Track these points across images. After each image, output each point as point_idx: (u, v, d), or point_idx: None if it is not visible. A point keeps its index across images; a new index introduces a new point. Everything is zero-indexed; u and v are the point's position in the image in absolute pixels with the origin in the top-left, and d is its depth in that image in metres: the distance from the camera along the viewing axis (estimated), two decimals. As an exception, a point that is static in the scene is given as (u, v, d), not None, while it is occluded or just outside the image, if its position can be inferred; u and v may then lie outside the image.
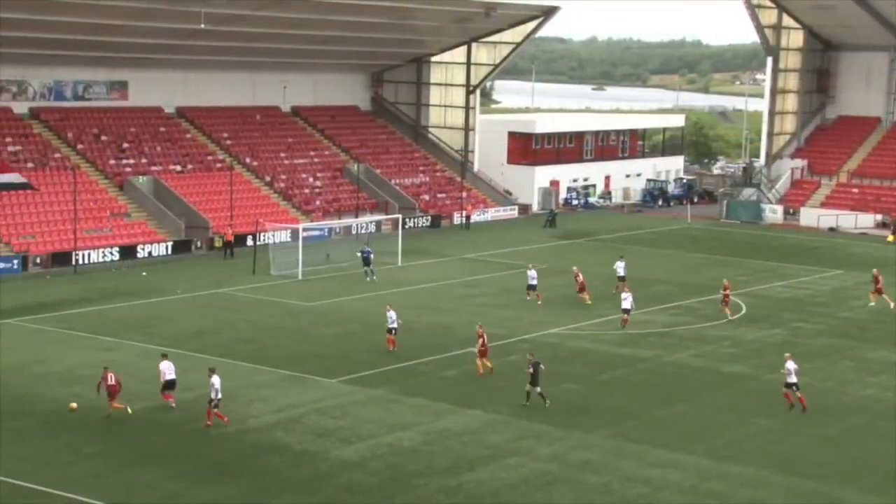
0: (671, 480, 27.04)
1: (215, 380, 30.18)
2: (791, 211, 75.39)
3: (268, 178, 67.84)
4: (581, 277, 46.97)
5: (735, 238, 68.42)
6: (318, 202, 67.43)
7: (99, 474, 26.32)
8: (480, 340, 35.35)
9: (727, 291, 44.78)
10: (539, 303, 45.97)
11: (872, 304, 47.38)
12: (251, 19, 62.68)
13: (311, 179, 69.75)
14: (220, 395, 30.15)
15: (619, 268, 49.16)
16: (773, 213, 75.67)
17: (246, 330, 40.92)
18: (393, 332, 38.01)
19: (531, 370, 32.42)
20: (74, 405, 31.06)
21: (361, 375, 34.93)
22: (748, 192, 77.68)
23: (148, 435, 29.18)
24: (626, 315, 42.40)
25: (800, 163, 79.79)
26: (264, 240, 57.11)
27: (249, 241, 57.65)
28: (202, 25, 58.63)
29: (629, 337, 41.16)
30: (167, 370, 31.49)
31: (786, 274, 55.70)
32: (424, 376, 35.09)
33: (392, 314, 38.06)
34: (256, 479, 26.38)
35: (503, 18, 72.81)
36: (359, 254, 51.16)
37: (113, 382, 30.63)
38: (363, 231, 61.62)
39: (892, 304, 46.55)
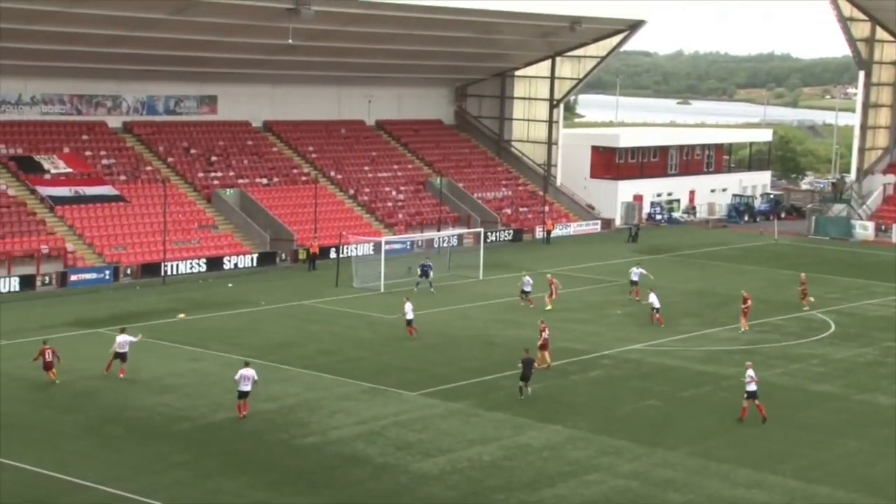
0: (757, 501, 26.55)
1: (247, 372, 31.20)
2: (883, 228, 73.59)
3: (352, 192, 68.49)
4: (556, 283, 48.39)
5: (824, 255, 67.05)
6: (400, 215, 67.85)
7: (187, 482, 26.80)
8: (542, 335, 37.25)
9: (747, 304, 44.58)
10: (531, 306, 46.88)
11: (807, 308, 48.06)
12: (338, 35, 63.47)
13: (394, 193, 70.22)
14: (248, 389, 31.20)
15: (634, 273, 50.09)
16: (864, 229, 73.94)
17: (328, 342, 41.31)
18: (411, 322, 41.54)
19: (522, 366, 33.79)
20: (183, 315, 38.04)
21: (442, 389, 35.02)
22: (838, 208, 76.09)
23: (233, 444, 29.64)
24: (657, 313, 44.65)
25: (892, 178, 77.90)
26: (347, 252, 57.59)
27: (333, 254, 58.20)
28: (290, 41, 59.54)
29: (712, 354, 40.59)
30: (120, 346, 34.98)
31: (877, 292, 54.38)
32: (504, 391, 35.05)
33: (409, 305, 41.77)
34: (339, 490, 26.60)
35: (588, 32, 72.57)
36: (418, 269, 51.74)
37: (50, 359, 34.24)
38: (445, 244, 61.81)
39: (811, 303, 48.72)
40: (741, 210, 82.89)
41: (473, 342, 41.57)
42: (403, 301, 42.78)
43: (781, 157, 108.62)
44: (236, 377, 31.52)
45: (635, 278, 50.01)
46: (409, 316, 41.87)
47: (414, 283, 51.36)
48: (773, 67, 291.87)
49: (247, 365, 31.82)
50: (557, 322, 44.34)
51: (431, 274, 51.64)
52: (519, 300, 48.16)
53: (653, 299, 45.36)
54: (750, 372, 32.62)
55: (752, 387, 32.37)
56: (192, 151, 65.78)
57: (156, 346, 39.89)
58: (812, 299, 49.42)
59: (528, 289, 47.88)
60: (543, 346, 37.45)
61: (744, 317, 44.56)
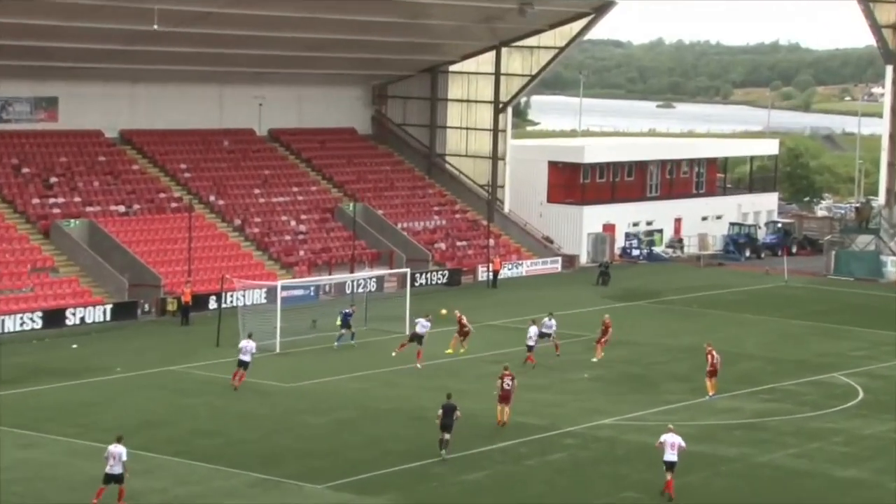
0: None
1: (116, 450, 31.82)
2: (921, 265, 75.08)
3: (238, 222, 68.17)
4: (465, 321, 51.01)
5: (847, 300, 68.08)
6: (302, 252, 67.64)
7: None
8: (500, 382, 39.80)
9: (607, 332, 48.75)
10: (418, 366, 48.05)
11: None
12: (219, 19, 63.37)
13: (293, 223, 70.02)
14: (119, 471, 31.54)
15: (546, 326, 51.35)
16: (898, 267, 75.36)
17: (207, 419, 40.86)
18: (246, 366, 44.06)
19: (441, 413, 36.07)
20: (444, 311, 49.74)
21: (357, 480, 34.79)
22: (863, 241, 77.47)
23: (77, 558, 29.01)
24: (530, 353, 48.75)
25: (931, 202, 79.52)
26: (232, 302, 57.15)
27: (213, 304, 57.71)
28: (155, 26, 59.29)
29: (707, 429, 40.83)
30: None
31: (915, 347, 55.30)
32: (438, 480, 34.92)
33: (251, 344, 44.23)
34: None
35: (542, 17, 73.35)
36: (339, 319, 52.27)
37: None
38: (360, 290, 61.63)
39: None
40: (741, 243, 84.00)
41: (398, 417, 41.41)
42: (245, 337, 45.04)
43: (791, 176, 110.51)
44: (105, 455, 31.75)
45: (547, 330, 51.29)
46: (245, 357, 44.02)
47: (336, 337, 51.79)
48: (778, 61, 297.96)
49: (119, 441, 32.11)
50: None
51: (352, 324, 51.96)
52: (394, 351, 49.29)
53: (531, 334, 48.86)
54: (667, 437, 33.76)
55: (671, 456, 33.49)
56: (25, 171, 65.01)
57: (-26, 428, 39.02)
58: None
59: (422, 332, 48.67)
60: (504, 398, 39.68)
61: (600, 346, 47.30)
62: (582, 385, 46.70)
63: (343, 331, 51.82)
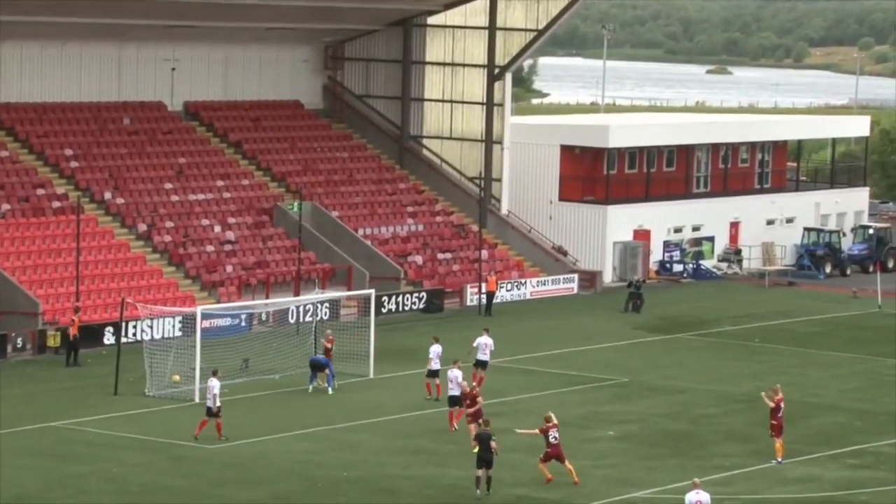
0: None
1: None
2: None
3: (143, 228, 68.07)
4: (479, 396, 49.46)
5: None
6: (229, 268, 67.63)
7: None
8: (545, 436, 41.08)
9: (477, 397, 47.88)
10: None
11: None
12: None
13: (217, 229, 69.97)
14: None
15: (482, 347, 53.37)
16: None
17: (102, 494, 40.75)
18: (217, 412, 45.40)
19: (476, 443, 37.60)
20: (178, 377, 51.05)
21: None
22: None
23: None
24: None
25: None
26: (135, 334, 57.22)
27: (109, 338, 57.75)
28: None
29: (776, 505, 40.99)
30: None
31: None
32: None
33: (215, 384, 45.42)
34: None
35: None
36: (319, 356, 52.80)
37: None
38: (308, 318, 61.60)
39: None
40: (820, 256, 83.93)
41: (359, 490, 41.37)
42: (210, 377, 46.03)
43: (886, 165, 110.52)
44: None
45: (484, 356, 52.34)
46: (210, 402, 45.36)
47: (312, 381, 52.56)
48: (869, 10, 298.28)
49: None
50: (503, 452, 44.38)
51: (332, 373, 52.46)
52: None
53: (434, 362, 50.84)
54: (692, 496, 34.24)
55: None
56: None
57: None
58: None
59: (454, 389, 47.94)
60: (554, 455, 41.16)
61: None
62: (606, 446, 46.65)
63: (316, 377, 52.43)
